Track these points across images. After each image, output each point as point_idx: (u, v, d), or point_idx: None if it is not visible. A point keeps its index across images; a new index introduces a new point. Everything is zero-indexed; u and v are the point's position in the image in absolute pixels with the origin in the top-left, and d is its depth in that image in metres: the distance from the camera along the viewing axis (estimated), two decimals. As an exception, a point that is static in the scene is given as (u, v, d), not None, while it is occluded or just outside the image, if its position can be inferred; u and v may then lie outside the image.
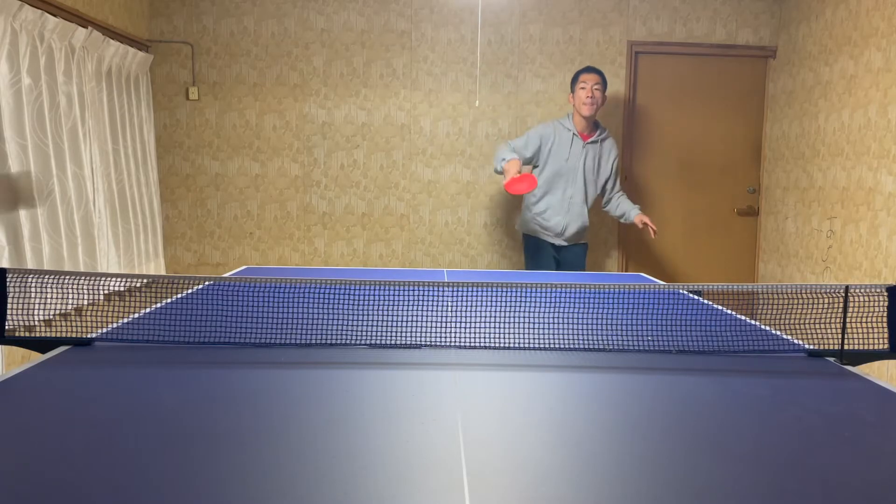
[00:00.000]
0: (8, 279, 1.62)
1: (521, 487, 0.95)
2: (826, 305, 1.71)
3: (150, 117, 4.28)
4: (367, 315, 2.00)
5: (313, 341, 1.70)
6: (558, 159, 3.67)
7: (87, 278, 1.72)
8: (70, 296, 1.75)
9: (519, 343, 1.72)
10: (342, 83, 4.44)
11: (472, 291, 2.39)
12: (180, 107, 4.42)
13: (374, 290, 2.41)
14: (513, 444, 1.09)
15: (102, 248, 3.71)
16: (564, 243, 3.79)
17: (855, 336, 1.65)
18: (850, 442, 1.12)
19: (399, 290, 2.39)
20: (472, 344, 1.70)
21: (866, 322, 1.65)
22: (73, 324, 1.77)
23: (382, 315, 2.00)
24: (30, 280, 1.67)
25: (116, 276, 1.65)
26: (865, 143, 3.58)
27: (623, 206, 3.84)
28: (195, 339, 1.70)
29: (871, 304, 1.66)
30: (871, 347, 1.64)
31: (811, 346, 1.70)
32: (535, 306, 2.19)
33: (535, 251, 3.80)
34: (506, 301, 2.26)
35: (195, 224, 4.53)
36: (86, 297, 1.76)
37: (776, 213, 4.51)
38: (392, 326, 1.87)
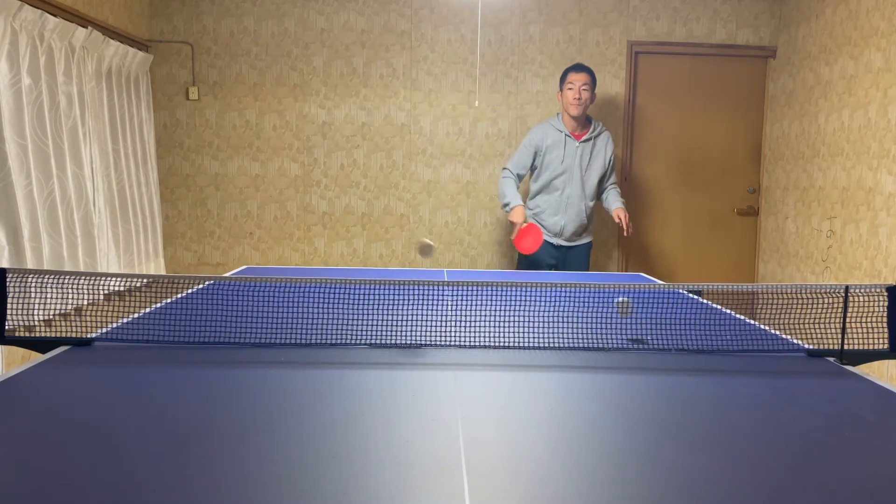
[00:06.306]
0: (8, 279, 1.62)
1: (521, 487, 0.95)
2: (826, 305, 1.71)
3: (150, 117, 4.28)
4: (367, 315, 2.00)
5: (313, 341, 1.70)
6: (554, 162, 3.67)
7: (87, 278, 1.72)
8: (70, 296, 1.75)
9: (519, 343, 1.72)
10: (342, 83, 4.44)
11: (472, 291, 2.39)
12: (180, 107, 4.42)
13: (374, 290, 2.41)
14: (513, 444, 1.09)
15: (102, 248, 3.71)
16: (565, 243, 3.79)
17: (855, 336, 1.65)
18: (850, 442, 1.12)
19: (399, 290, 2.39)
20: (472, 344, 1.70)
21: (866, 322, 1.65)
22: (73, 324, 1.77)
23: (382, 315, 2.00)
24: (30, 280, 1.67)
25: (116, 276, 1.65)
26: (865, 143, 3.58)
27: (610, 199, 3.88)
28: (195, 339, 1.70)
29: (871, 304, 1.66)
30: (871, 347, 1.64)
31: (811, 346, 1.70)
32: (535, 306, 2.19)
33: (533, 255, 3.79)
34: (506, 301, 2.26)
35: (195, 224, 4.53)
36: (86, 297, 1.76)
37: (776, 213, 4.51)
38: (392, 326, 1.87)
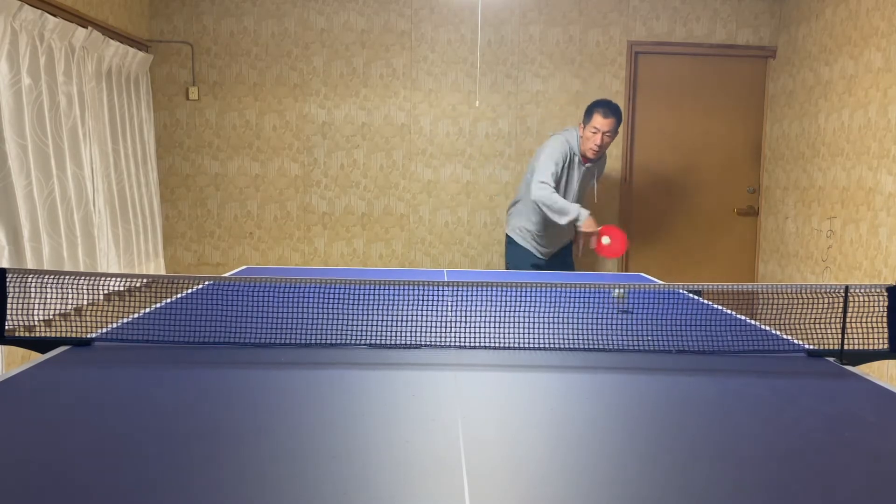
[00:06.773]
0: (8, 279, 1.62)
1: (521, 487, 0.95)
2: (826, 305, 1.71)
3: (150, 117, 4.28)
4: (367, 315, 2.00)
5: (313, 341, 1.70)
6: (565, 181, 3.55)
7: (87, 278, 1.72)
8: (70, 296, 1.75)
9: (519, 343, 1.72)
10: (342, 83, 4.44)
11: (472, 291, 2.39)
12: (180, 107, 4.42)
13: (374, 290, 2.41)
14: (513, 444, 1.09)
15: (102, 248, 3.71)
16: (553, 249, 3.75)
17: (855, 336, 1.65)
18: (850, 442, 1.12)
19: (399, 290, 2.39)
20: (472, 344, 1.70)
21: (866, 322, 1.65)
22: (73, 324, 1.77)
23: (382, 315, 2.00)
24: (30, 280, 1.67)
25: (116, 276, 1.65)
26: (865, 143, 3.58)
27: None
28: (195, 339, 1.70)
29: (871, 304, 1.66)
30: (871, 347, 1.64)
31: (811, 346, 1.70)
32: (535, 306, 2.19)
33: (522, 260, 3.73)
34: (506, 301, 2.26)
35: (195, 224, 4.53)
36: (86, 297, 1.76)
37: (776, 213, 4.51)
38: (392, 326, 1.87)
